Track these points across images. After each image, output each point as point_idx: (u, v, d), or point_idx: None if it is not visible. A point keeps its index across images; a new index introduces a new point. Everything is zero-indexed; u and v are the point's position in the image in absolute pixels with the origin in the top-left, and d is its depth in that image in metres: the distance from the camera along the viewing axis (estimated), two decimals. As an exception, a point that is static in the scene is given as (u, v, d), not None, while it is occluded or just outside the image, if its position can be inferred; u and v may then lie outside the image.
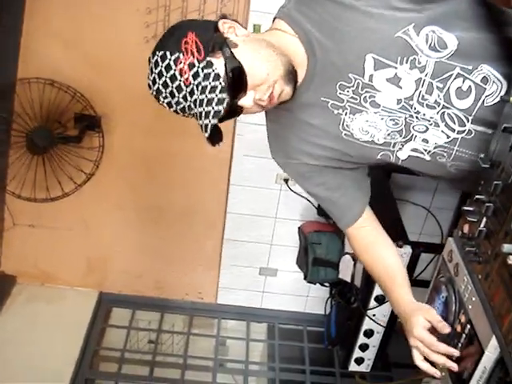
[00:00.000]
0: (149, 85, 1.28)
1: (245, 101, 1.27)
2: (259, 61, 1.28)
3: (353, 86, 1.35)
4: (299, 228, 3.26)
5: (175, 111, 1.29)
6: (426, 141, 1.42)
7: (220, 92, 1.22)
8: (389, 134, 1.42)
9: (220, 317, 3.60)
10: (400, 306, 1.46)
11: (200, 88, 1.23)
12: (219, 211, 3.37)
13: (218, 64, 1.24)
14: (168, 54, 1.24)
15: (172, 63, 1.23)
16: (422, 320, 1.34)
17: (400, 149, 1.44)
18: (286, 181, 3.22)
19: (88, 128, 3.00)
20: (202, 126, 1.24)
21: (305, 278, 3.14)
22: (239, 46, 1.27)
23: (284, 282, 3.57)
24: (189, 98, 1.24)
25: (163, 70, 1.24)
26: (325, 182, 1.53)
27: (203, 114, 1.22)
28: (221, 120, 1.26)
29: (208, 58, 1.24)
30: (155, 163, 3.25)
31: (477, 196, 1.27)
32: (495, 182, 1.20)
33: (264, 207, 3.35)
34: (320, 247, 3.07)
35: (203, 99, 1.22)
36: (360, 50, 1.31)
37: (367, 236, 1.59)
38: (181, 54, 1.23)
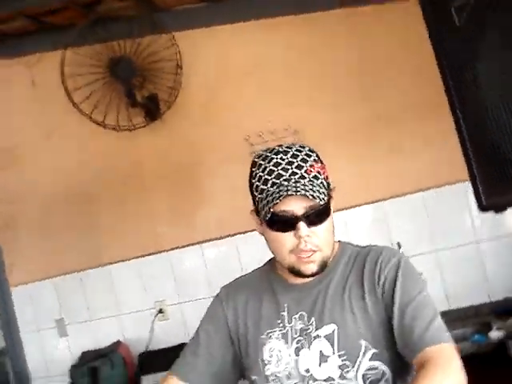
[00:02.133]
0: (273, 149, 1.45)
1: (303, 227, 1.39)
2: (331, 230, 1.47)
3: (307, 326, 1.45)
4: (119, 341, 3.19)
5: (267, 170, 1.41)
6: None
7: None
8: (276, 376, 1.46)
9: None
10: None
11: (308, 181, 1.39)
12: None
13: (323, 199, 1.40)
14: (315, 154, 1.45)
15: (313, 158, 1.43)
16: None
17: None
18: (160, 311, 3.22)
19: (147, 109, 3.11)
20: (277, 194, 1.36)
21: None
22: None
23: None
24: (294, 176, 1.38)
25: (303, 154, 1.43)
26: (213, 339, 1.56)
27: (297, 186, 1.37)
28: (279, 219, 1.40)
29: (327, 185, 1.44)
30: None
31: None
32: None
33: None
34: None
35: (304, 183, 1.38)
36: (334, 317, 1.43)
37: None
38: (319, 163, 1.44)
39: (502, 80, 1.22)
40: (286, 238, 1.41)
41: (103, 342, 3.30)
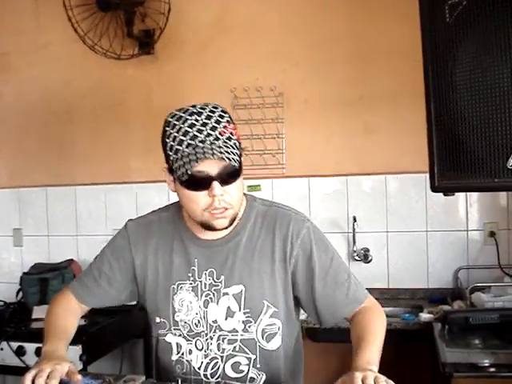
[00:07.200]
0: (187, 109, 1.47)
1: (217, 186, 1.44)
2: (241, 188, 1.53)
3: (217, 283, 1.57)
4: (72, 259, 3.28)
5: (182, 131, 1.43)
6: (190, 352, 1.60)
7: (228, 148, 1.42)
8: (185, 323, 1.59)
9: None
10: None
11: (223, 142, 1.42)
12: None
13: (237, 160, 1.45)
14: (227, 115, 1.48)
15: (226, 119, 1.46)
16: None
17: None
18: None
19: (141, 43, 3.17)
20: (199, 152, 1.39)
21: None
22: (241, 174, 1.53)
23: None
24: (209, 138, 1.41)
25: (217, 115, 1.45)
26: (116, 275, 1.67)
27: (212, 149, 1.40)
28: (194, 180, 1.43)
29: (239, 145, 1.49)
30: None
31: None
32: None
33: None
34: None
35: (219, 144, 1.41)
36: (243, 279, 1.57)
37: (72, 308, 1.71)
38: (232, 124, 1.48)
39: (474, 79, 1.33)
40: (200, 197, 1.45)
41: (56, 258, 3.39)
